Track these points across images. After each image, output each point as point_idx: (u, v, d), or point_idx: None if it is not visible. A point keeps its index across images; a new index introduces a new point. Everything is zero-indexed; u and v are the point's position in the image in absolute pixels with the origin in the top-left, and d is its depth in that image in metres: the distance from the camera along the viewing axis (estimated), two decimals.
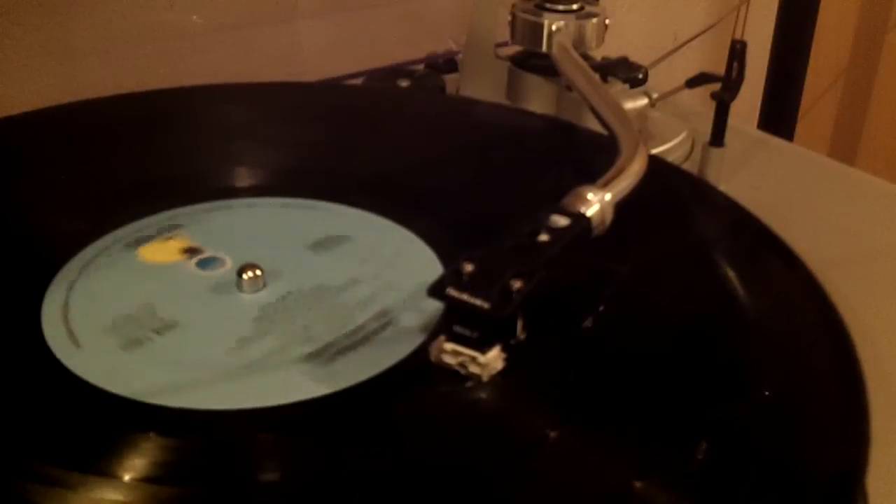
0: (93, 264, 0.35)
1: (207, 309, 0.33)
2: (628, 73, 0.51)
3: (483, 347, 0.28)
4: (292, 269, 0.35)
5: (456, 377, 0.28)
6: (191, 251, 0.36)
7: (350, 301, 0.33)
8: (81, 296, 0.33)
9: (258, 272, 0.33)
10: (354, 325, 0.32)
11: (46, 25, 0.54)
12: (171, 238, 0.37)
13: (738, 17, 0.48)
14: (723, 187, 0.45)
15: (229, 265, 0.35)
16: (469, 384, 0.28)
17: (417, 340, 0.31)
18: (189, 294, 0.33)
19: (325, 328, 0.32)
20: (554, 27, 0.49)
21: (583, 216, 0.32)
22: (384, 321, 0.32)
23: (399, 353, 0.30)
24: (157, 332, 0.31)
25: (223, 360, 0.30)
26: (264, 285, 0.34)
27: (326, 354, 0.30)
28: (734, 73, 0.44)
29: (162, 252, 0.36)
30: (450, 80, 0.56)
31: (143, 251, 0.36)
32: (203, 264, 0.35)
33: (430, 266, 0.35)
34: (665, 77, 0.53)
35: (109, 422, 0.27)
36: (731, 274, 0.35)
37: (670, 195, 0.40)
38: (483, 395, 0.28)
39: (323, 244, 0.37)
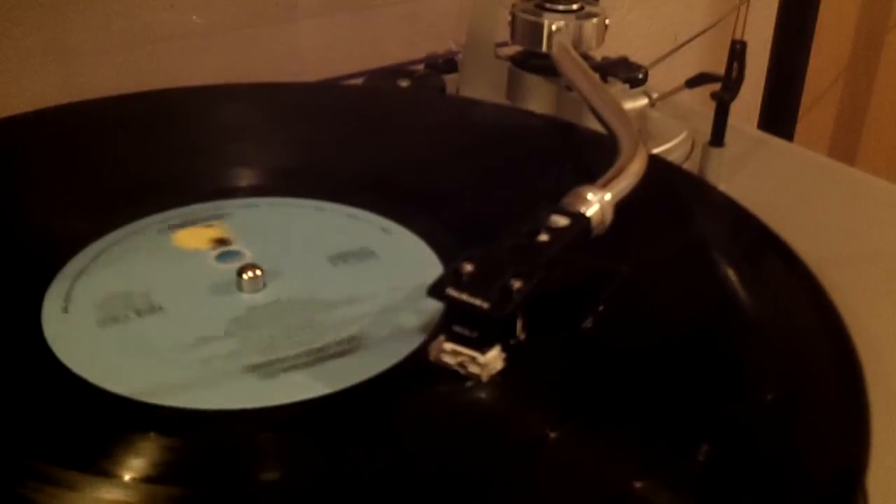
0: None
1: (204, 307, 0.33)
2: (628, 73, 0.51)
3: (483, 347, 0.28)
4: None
5: (456, 377, 0.28)
6: (220, 242, 0.36)
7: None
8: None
9: (258, 272, 0.33)
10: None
11: (46, 25, 0.54)
12: (210, 226, 0.37)
13: (738, 17, 0.48)
14: (723, 187, 0.45)
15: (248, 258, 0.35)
16: (469, 384, 0.28)
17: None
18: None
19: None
20: (554, 27, 0.49)
21: (583, 216, 0.32)
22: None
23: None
24: (139, 314, 0.31)
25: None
26: (264, 286, 0.34)
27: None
28: (734, 73, 0.44)
29: (194, 238, 0.36)
30: (450, 80, 0.56)
31: (179, 235, 0.36)
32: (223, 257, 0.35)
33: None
34: (665, 77, 0.53)
35: (109, 421, 0.27)
36: (731, 274, 0.35)
37: (670, 195, 0.40)
38: (483, 395, 0.28)
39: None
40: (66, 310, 0.32)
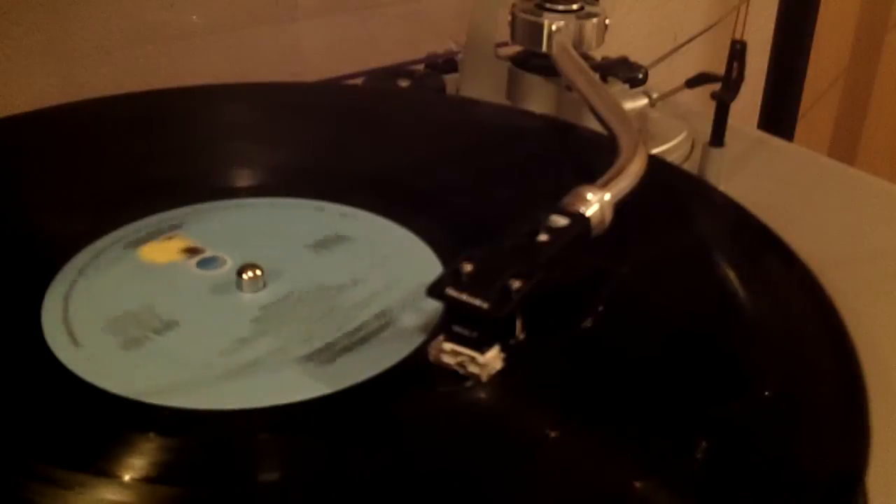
0: (92, 264, 0.35)
1: (207, 309, 0.33)
2: (628, 73, 0.51)
3: (482, 347, 0.28)
4: (293, 269, 0.35)
5: (455, 377, 0.28)
6: (191, 251, 0.36)
7: (350, 301, 0.33)
8: (81, 296, 0.33)
9: (258, 272, 0.33)
10: (354, 326, 0.32)
11: (46, 25, 0.54)
12: (171, 238, 0.37)
13: (738, 17, 0.48)
14: (723, 187, 0.45)
15: (229, 265, 0.35)
16: (468, 384, 0.28)
17: (417, 340, 0.31)
18: (189, 294, 0.33)
19: (324, 328, 0.32)
20: (554, 27, 0.49)
21: (582, 216, 0.32)
22: (384, 321, 0.32)
23: (399, 353, 0.30)
24: (157, 332, 0.31)
25: (222, 359, 0.30)
26: (264, 285, 0.34)
27: (326, 355, 0.30)
28: (734, 73, 0.44)
29: (162, 252, 0.36)
30: (450, 80, 0.56)
31: (143, 250, 0.36)
32: (203, 264, 0.35)
33: (430, 266, 0.35)
34: (665, 77, 0.53)
35: (109, 422, 0.27)
36: (731, 274, 0.35)
37: (670, 195, 0.40)
38: (482, 395, 0.28)
39: (323, 244, 0.37)
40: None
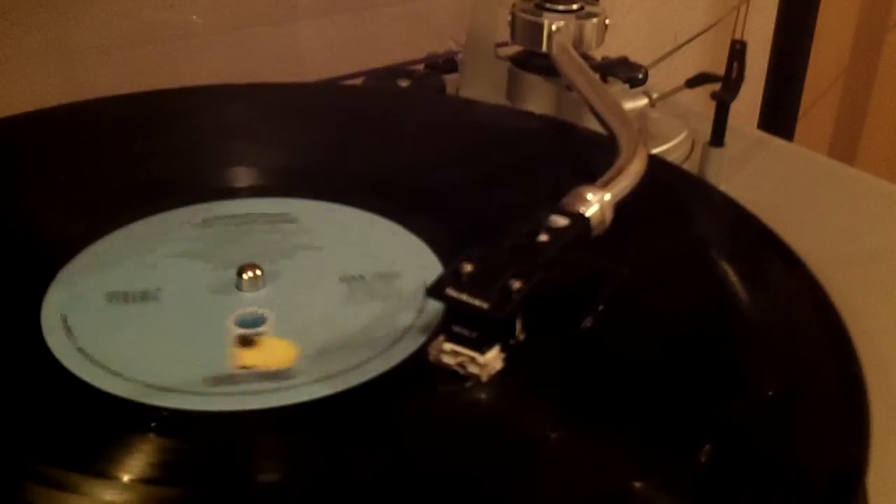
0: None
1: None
2: (628, 73, 0.51)
3: (482, 347, 0.28)
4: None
5: (455, 377, 0.28)
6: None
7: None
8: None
9: (258, 272, 0.33)
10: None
11: (46, 25, 0.54)
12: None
13: (738, 17, 0.48)
14: (723, 187, 0.45)
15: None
16: (468, 384, 0.28)
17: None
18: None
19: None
20: (554, 27, 0.49)
21: (582, 216, 0.32)
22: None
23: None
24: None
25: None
26: (264, 285, 0.34)
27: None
28: (734, 73, 0.44)
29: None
30: (450, 80, 0.56)
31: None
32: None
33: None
34: (665, 77, 0.53)
35: (109, 422, 0.27)
36: (731, 274, 0.35)
37: (670, 195, 0.40)
38: (482, 395, 0.28)
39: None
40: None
